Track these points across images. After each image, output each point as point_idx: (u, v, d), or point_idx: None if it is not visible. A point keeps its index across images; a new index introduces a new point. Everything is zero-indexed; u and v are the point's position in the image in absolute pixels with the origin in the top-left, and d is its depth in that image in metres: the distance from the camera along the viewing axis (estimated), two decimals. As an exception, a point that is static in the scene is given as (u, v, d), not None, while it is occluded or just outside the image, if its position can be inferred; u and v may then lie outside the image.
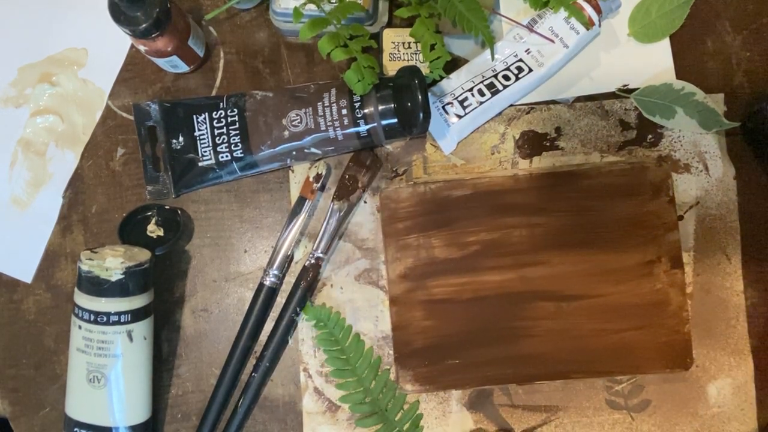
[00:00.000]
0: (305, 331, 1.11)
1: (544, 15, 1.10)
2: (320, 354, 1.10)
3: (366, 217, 1.12)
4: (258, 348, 1.11)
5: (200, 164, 1.09)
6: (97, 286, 1.01)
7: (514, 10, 1.14)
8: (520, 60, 1.10)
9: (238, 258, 1.13)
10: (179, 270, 1.12)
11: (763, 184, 1.12)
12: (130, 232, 1.11)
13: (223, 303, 1.12)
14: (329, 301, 1.11)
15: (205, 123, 1.09)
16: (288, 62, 1.15)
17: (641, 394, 1.09)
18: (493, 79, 1.10)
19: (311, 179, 1.09)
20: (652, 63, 1.14)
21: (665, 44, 1.14)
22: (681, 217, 1.11)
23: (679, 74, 1.13)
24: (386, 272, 1.10)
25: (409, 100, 1.03)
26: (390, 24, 1.14)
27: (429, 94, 1.08)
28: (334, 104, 1.06)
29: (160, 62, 1.09)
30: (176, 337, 1.12)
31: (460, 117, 1.10)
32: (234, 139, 1.08)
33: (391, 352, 1.10)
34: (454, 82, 1.11)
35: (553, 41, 1.09)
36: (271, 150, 1.07)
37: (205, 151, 1.09)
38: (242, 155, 1.08)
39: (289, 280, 1.11)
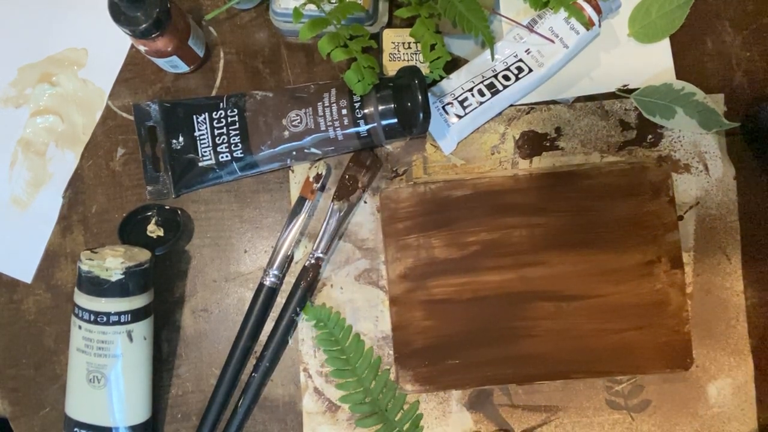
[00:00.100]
0: (305, 331, 1.11)
1: (544, 15, 1.10)
2: (320, 354, 1.10)
3: (366, 217, 1.12)
4: (258, 348, 1.11)
5: (200, 164, 1.10)
6: (97, 286, 1.01)
7: (514, 10, 1.14)
8: (520, 60, 1.10)
9: (238, 258, 1.13)
10: (179, 270, 1.12)
11: (763, 184, 1.12)
12: (130, 232, 1.11)
13: (223, 303, 1.12)
14: (329, 301, 1.11)
15: (205, 123, 1.09)
16: (288, 62, 1.15)
17: (641, 394, 1.09)
18: (493, 80, 1.10)
19: (311, 179, 1.09)
20: (652, 63, 1.14)
21: (665, 44, 1.14)
22: (681, 217, 1.11)
23: (679, 74, 1.13)
24: (386, 272, 1.10)
25: (409, 100, 1.03)
26: (390, 24, 1.14)
27: (429, 94, 1.08)
28: (334, 104, 1.06)
29: (160, 62, 1.09)
30: (176, 337, 1.12)
31: (460, 117, 1.10)
32: (234, 139, 1.08)
33: (391, 352, 1.10)
34: (454, 82, 1.11)
35: (553, 41, 1.10)
36: (271, 150, 1.08)
37: (205, 151, 1.09)
38: (242, 155, 1.08)
39: (289, 280, 1.11)
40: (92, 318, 1.01)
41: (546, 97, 1.13)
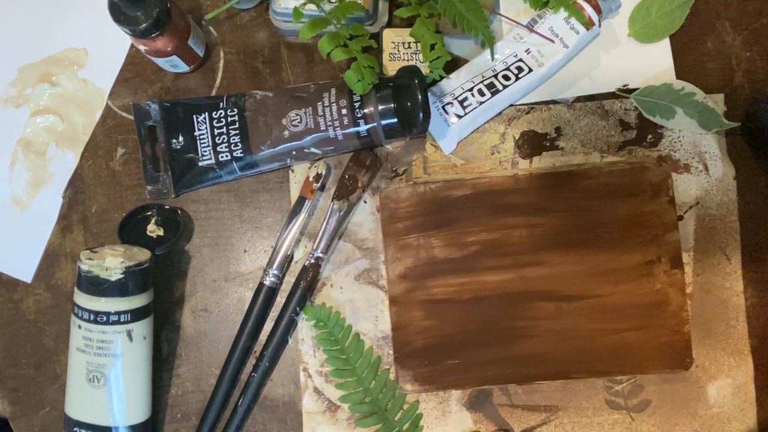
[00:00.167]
0: (305, 330, 1.11)
1: (544, 15, 1.10)
2: (320, 354, 1.10)
3: (366, 216, 1.12)
4: (258, 348, 1.10)
5: (200, 164, 1.10)
6: (96, 286, 1.01)
7: (514, 10, 1.14)
8: (520, 60, 1.10)
9: (237, 258, 1.13)
10: (179, 270, 1.12)
11: (762, 184, 1.12)
12: (129, 231, 1.11)
13: (223, 303, 1.12)
14: (329, 301, 1.11)
15: (205, 123, 1.09)
16: (288, 62, 1.15)
17: (641, 394, 1.09)
18: (493, 79, 1.10)
19: (311, 179, 1.09)
20: (652, 63, 1.14)
21: (665, 44, 1.14)
22: (681, 217, 1.11)
23: (679, 74, 1.13)
24: (386, 272, 1.10)
25: (409, 100, 1.03)
26: (390, 24, 1.14)
27: (429, 94, 1.08)
28: (334, 104, 1.06)
29: (160, 62, 1.09)
30: (176, 337, 1.12)
31: (460, 117, 1.10)
32: (234, 139, 1.08)
33: (391, 351, 1.10)
34: (454, 82, 1.11)
35: (553, 41, 1.09)
36: (271, 150, 1.07)
37: (205, 151, 1.09)
38: (242, 155, 1.08)
39: (289, 279, 1.11)
40: (92, 317, 1.01)
41: (546, 97, 1.13)
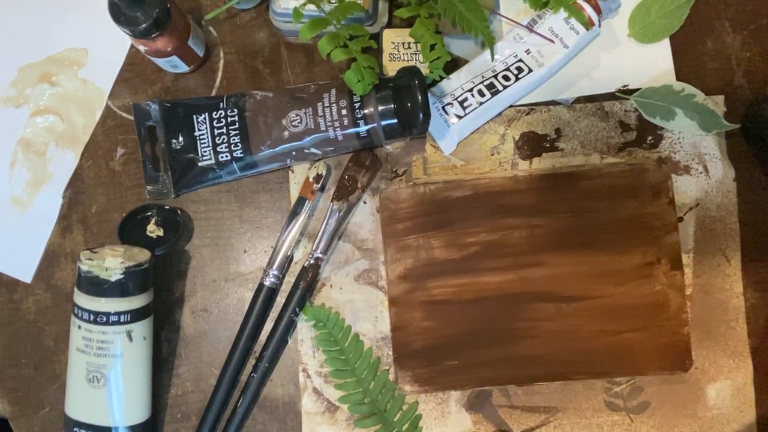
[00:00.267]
0: (304, 331, 1.11)
1: (543, 15, 1.10)
2: (319, 354, 1.10)
3: (366, 217, 1.12)
4: (258, 348, 1.10)
5: (200, 164, 1.09)
6: (96, 286, 1.00)
7: (513, 10, 1.13)
8: (520, 60, 1.10)
9: (237, 258, 1.12)
10: (179, 270, 1.12)
11: (763, 185, 1.11)
12: (129, 232, 1.10)
13: (223, 303, 1.12)
14: (329, 302, 1.11)
15: (205, 123, 1.09)
16: (288, 62, 1.15)
17: (640, 396, 1.09)
18: (493, 80, 1.10)
19: (311, 180, 1.09)
20: (652, 63, 1.13)
21: (665, 45, 1.14)
22: (681, 219, 1.10)
23: (679, 75, 1.13)
24: (386, 273, 1.10)
25: (409, 101, 1.03)
26: (390, 24, 1.14)
27: (429, 94, 1.07)
28: (334, 104, 1.05)
29: (160, 62, 1.09)
30: (176, 337, 1.11)
31: (460, 117, 1.09)
32: (234, 139, 1.08)
33: (391, 352, 1.10)
34: (454, 83, 1.11)
35: (552, 41, 1.09)
36: (271, 150, 1.07)
37: (205, 151, 1.09)
38: (242, 155, 1.08)
39: (289, 280, 1.11)
40: (92, 318, 1.01)
41: (546, 97, 1.13)
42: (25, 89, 1.15)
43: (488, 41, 1.07)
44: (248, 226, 1.13)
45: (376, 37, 1.12)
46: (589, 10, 1.07)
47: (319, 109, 1.06)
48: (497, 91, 1.09)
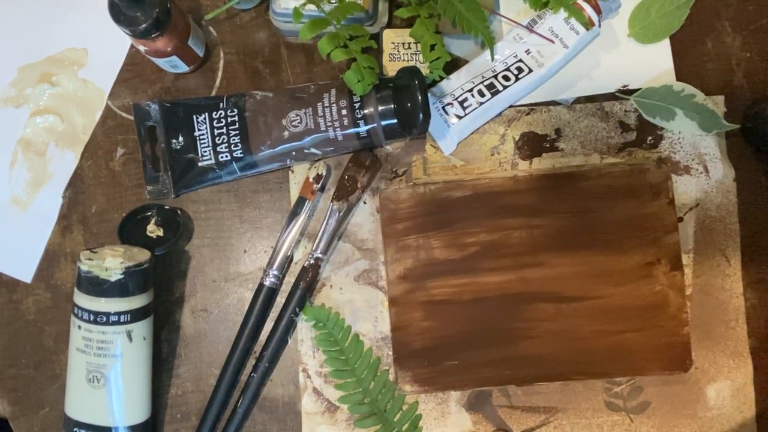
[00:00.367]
0: (304, 331, 1.10)
1: (543, 15, 1.09)
2: (319, 354, 1.10)
3: (366, 217, 1.11)
4: (258, 348, 1.10)
5: (200, 164, 1.09)
6: (96, 286, 1.00)
7: (513, 10, 1.13)
8: (520, 60, 1.10)
9: (237, 258, 1.12)
10: (179, 270, 1.12)
11: (762, 186, 1.11)
12: (129, 232, 1.10)
13: (223, 303, 1.11)
14: (329, 302, 1.11)
15: (205, 123, 1.09)
16: (288, 62, 1.14)
17: (640, 396, 1.08)
18: (493, 80, 1.09)
19: (311, 180, 1.08)
20: (652, 64, 1.13)
21: (665, 45, 1.13)
22: (681, 219, 1.10)
23: (679, 75, 1.12)
24: (386, 273, 1.10)
25: (409, 101, 1.02)
26: (390, 24, 1.13)
27: (429, 94, 1.07)
28: (334, 105, 1.05)
29: (160, 62, 1.09)
30: (176, 337, 1.11)
31: (460, 117, 1.09)
32: (234, 140, 1.07)
33: (390, 352, 1.09)
34: (454, 83, 1.11)
35: (552, 42, 1.09)
36: (271, 150, 1.07)
37: (205, 151, 1.08)
38: (242, 155, 1.07)
39: (289, 280, 1.10)
40: (92, 318, 1.01)
41: (546, 97, 1.12)
42: (25, 89, 1.15)
43: (488, 41, 1.07)
44: (248, 226, 1.12)
45: (376, 37, 1.11)
46: (589, 10, 1.07)
47: (319, 109, 1.05)
48: (497, 92, 1.09)
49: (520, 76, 1.09)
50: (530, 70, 1.09)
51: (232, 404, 1.09)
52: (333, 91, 1.06)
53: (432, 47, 1.07)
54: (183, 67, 1.11)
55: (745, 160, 1.11)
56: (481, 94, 1.09)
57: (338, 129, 1.05)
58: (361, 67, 1.02)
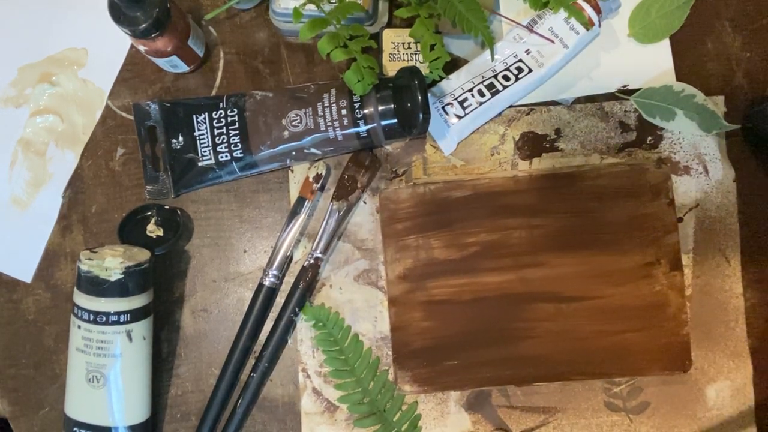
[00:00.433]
0: (304, 331, 1.09)
1: (543, 15, 1.08)
2: (319, 354, 1.09)
3: (365, 217, 1.10)
4: (257, 348, 1.09)
5: (200, 164, 1.08)
6: (96, 286, 0.99)
7: (513, 10, 1.12)
8: (520, 60, 1.09)
9: (237, 258, 1.11)
10: (179, 270, 1.11)
11: (762, 186, 1.10)
12: (129, 232, 1.09)
13: (223, 303, 1.10)
14: (328, 302, 1.10)
15: (205, 123, 1.08)
16: (288, 62, 1.13)
17: (640, 396, 1.07)
18: (492, 80, 1.08)
19: (311, 179, 1.08)
20: (652, 63, 1.12)
21: (665, 45, 1.12)
22: (680, 219, 1.09)
23: (679, 75, 1.11)
24: (385, 273, 1.09)
25: (409, 101, 1.01)
26: (390, 24, 1.12)
27: (429, 94, 1.06)
28: (334, 104, 1.04)
29: (160, 62, 1.08)
30: (176, 337, 1.10)
31: (460, 117, 1.08)
32: (234, 139, 1.06)
33: (390, 352, 1.08)
34: (454, 83, 1.10)
35: (552, 42, 1.08)
36: (271, 150, 1.06)
37: (205, 151, 1.08)
38: (242, 155, 1.06)
39: (289, 280, 1.09)
40: (91, 318, 1.00)
41: (546, 97, 1.12)
42: (25, 89, 1.14)
43: (488, 41, 1.06)
44: (248, 226, 1.11)
45: (376, 37, 1.11)
46: (589, 10, 1.06)
47: (319, 109, 1.05)
48: (497, 91, 1.08)
49: (520, 76, 1.08)
50: (530, 70, 1.08)
51: (232, 404, 1.08)
52: (333, 91, 1.05)
53: (432, 47, 1.06)
54: (183, 67, 1.10)
55: (745, 161, 1.10)
56: (481, 94, 1.08)
57: (338, 129, 1.04)
58: (361, 67, 1.01)
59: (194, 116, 1.09)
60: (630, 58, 1.12)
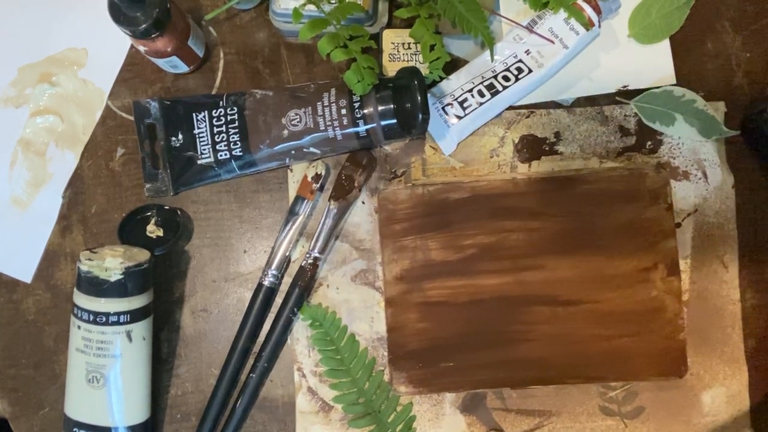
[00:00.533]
0: (300, 330, 1.06)
1: (543, 16, 1.05)
2: (314, 353, 1.05)
3: (364, 218, 1.07)
4: (257, 348, 1.05)
5: (199, 162, 1.04)
6: (96, 287, 0.96)
7: (513, 10, 1.08)
8: (520, 61, 1.05)
9: (237, 258, 1.07)
10: (179, 270, 1.07)
11: (761, 193, 1.06)
12: (129, 232, 1.06)
13: (223, 303, 1.07)
14: (325, 301, 1.06)
15: (205, 121, 1.04)
16: (288, 63, 1.09)
17: (635, 401, 1.04)
18: (492, 80, 1.05)
19: (310, 179, 1.04)
20: (652, 64, 1.08)
21: (665, 45, 1.08)
22: (679, 225, 1.05)
23: (679, 75, 1.08)
24: (382, 273, 1.05)
25: (409, 101, 0.98)
26: (390, 24, 1.08)
27: (429, 95, 1.03)
28: (334, 104, 1.01)
29: (160, 62, 1.04)
30: (176, 337, 1.07)
31: (459, 118, 1.04)
32: (233, 138, 1.03)
33: (386, 353, 1.05)
34: (454, 83, 1.06)
35: (552, 42, 1.04)
36: (270, 149, 1.02)
37: (204, 149, 1.04)
38: (241, 154, 1.03)
39: (288, 279, 1.06)
40: (91, 318, 0.96)
41: (546, 98, 1.08)
42: (25, 89, 1.10)
43: (488, 42, 1.03)
44: (248, 226, 1.08)
45: (376, 38, 1.07)
46: (588, 10, 1.03)
47: (319, 108, 1.01)
48: (497, 92, 1.04)
49: (519, 76, 1.04)
50: (530, 71, 1.04)
51: (233, 404, 1.05)
52: (333, 91, 1.02)
53: (432, 47, 1.03)
54: (183, 68, 1.06)
55: (744, 167, 1.07)
56: (481, 94, 1.04)
57: (337, 128, 1.01)
58: (361, 67, 0.98)
59: (194, 114, 1.05)
60: (630, 58, 1.08)
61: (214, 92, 1.09)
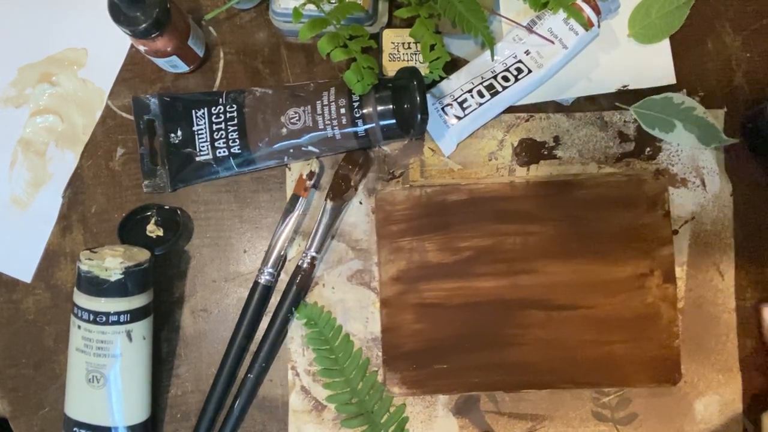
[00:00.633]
0: (294, 329, 1.02)
1: (543, 16, 1.00)
2: (308, 352, 1.01)
3: (361, 218, 1.02)
4: (255, 347, 1.02)
5: (197, 159, 1.00)
6: (96, 286, 0.92)
7: (513, 10, 1.03)
8: (520, 61, 1.00)
9: (237, 258, 1.03)
10: (179, 270, 1.03)
11: (759, 202, 1.02)
12: (129, 232, 1.02)
13: (223, 303, 1.03)
14: (320, 301, 1.02)
15: (204, 118, 1.00)
16: (288, 62, 1.05)
17: (628, 407, 0.99)
18: (492, 81, 1.00)
19: (304, 177, 1.00)
20: (652, 64, 1.04)
21: (665, 45, 1.04)
22: (676, 232, 1.00)
23: (679, 75, 1.03)
24: (378, 274, 1.01)
25: (408, 102, 0.94)
26: (390, 24, 1.04)
27: (428, 95, 0.99)
28: (333, 103, 0.96)
29: (160, 62, 0.99)
30: (175, 337, 1.03)
31: (459, 118, 1.00)
32: (232, 135, 0.99)
33: (380, 353, 1.01)
34: (454, 84, 1.01)
35: (552, 42, 1.00)
36: (269, 147, 0.98)
37: (203, 146, 1.00)
38: (240, 151, 0.98)
39: (285, 278, 1.02)
40: (91, 318, 0.93)
41: (545, 98, 1.03)
42: (25, 89, 1.05)
43: (488, 42, 0.98)
44: (248, 226, 1.03)
45: (376, 37, 1.02)
46: (588, 10, 0.98)
47: (318, 107, 0.97)
48: (497, 92, 1.00)
49: (519, 76, 1.00)
50: (530, 71, 1.00)
51: (230, 403, 1.01)
52: (332, 90, 0.98)
53: (432, 47, 0.98)
54: (183, 67, 1.02)
55: (742, 175, 1.02)
56: (481, 95, 1.00)
57: (336, 128, 0.97)
58: (361, 67, 0.94)
59: (193, 111, 1.01)
60: (630, 58, 1.04)
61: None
